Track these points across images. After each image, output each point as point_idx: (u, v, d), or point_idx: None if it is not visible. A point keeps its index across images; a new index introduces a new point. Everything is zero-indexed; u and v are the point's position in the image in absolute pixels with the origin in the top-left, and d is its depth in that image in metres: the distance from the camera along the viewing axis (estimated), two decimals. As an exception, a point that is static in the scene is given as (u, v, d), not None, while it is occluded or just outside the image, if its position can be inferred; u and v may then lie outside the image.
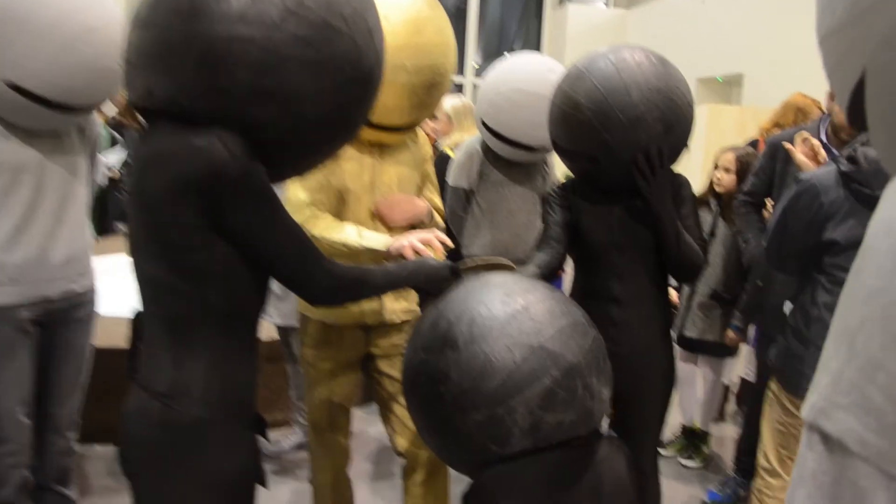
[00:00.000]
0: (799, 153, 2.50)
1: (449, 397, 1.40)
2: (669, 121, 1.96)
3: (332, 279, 1.36)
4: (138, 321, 1.40)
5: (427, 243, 1.87)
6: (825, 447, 0.70)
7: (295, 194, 2.07)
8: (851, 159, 2.00)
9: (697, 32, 8.00)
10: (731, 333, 3.23)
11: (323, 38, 1.22)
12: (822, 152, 2.45)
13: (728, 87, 8.40)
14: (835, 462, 0.68)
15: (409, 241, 1.88)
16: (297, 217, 2.02)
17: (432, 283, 1.58)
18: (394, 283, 1.50)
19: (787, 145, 2.56)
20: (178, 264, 1.27)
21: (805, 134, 2.54)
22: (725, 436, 3.93)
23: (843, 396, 0.68)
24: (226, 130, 1.21)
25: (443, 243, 1.89)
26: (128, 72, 1.28)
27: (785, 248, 2.16)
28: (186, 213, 1.22)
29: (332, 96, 1.27)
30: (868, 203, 1.97)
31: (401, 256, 1.89)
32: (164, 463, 1.31)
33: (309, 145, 1.33)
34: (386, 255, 1.95)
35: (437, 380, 1.42)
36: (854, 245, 1.99)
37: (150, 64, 1.22)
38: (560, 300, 1.51)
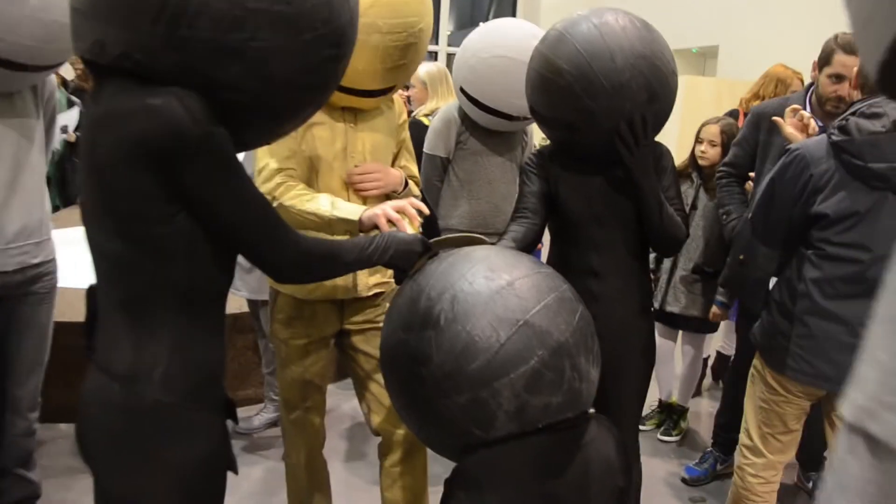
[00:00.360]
0: (788, 125, 2.44)
1: (430, 379, 1.32)
2: (654, 89, 1.88)
3: (299, 254, 1.28)
4: (94, 295, 1.30)
5: (401, 211, 1.78)
6: (871, 453, 0.62)
7: (264, 162, 1.97)
8: (843, 130, 1.94)
9: (672, 4, 7.91)
10: (715, 309, 3.19)
11: None
12: (813, 124, 2.39)
13: (703, 59, 8.35)
14: (883, 470, 0.61)
15: (383, 210, 1.79)
16: (267, 186, 1.93)
17: (404, 259, 1.49)
18: (364, 260, 1.42)
19: (777, 119, 2.49)
20: (134, 238, 1.17)
21: (795, 105, 2.48)
22: (702, 410, 3.92)
23: (895, 395, 0.60)
24: (185, 90, 1.11)
25: (419, 211, 1.80)
26: (75, 21, 1.16)
27: (771, 221, 2.11)
28: (141, 180, 1.12)
29: (302, 56, 1.18)
30: (859, 175, 1.92)
31: (374, 227, 1.81)
32: (124, 449, 1.23)
33: (276, 109, 1.23)
34: (359, 225, 1.86)
35: (417, 361, 1.34)
36: (844, 218, 1.95)
37: (100, 13, 1.11)
38: (547, 275, 1.43)
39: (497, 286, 1.35)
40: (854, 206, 1.93)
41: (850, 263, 1.95)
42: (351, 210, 1.88)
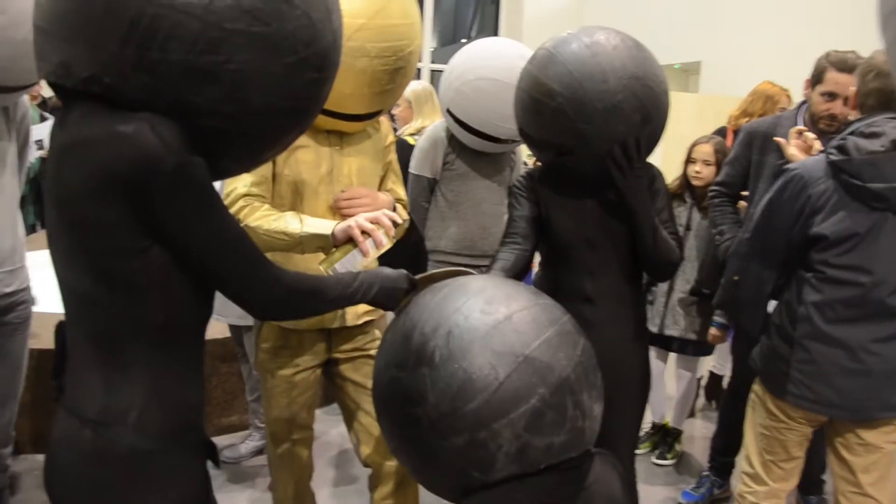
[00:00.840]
0: (792, 147, 2.39)
1: (425, 420, 1.25)
2: (647, 110, 1.84)
3: (279, 291, 1.20)
4: (62, 332, 1.22)
5: (375, 222, 1.70)
6: None
7: (232, 186, 1.88)
8: (841, 149, 1.90)
9: (654, 19, 7.93)
10: (714, 330, 3.12)
11: (273, 11, 1.06)
12: (818, 145, 2.35)
13: (685, 75, 8.37)
14: None
15: (357, 222, 1.71)
16: (231, 210, 1.84)
17: (389, 297, 1.41)
18: (347, 297, 1.34)
19: (779, 140, 2.45)
20: (104, 273, 1.09)
21: (800, 126, 2.43)
22: (696, 432, 3.86)
23: None
24: (158, 115, 1.04)
25: (393, 221, 1.73)
26: (38, 41, 1.08)
27: (769, 242, 2.06)
28: (111, 213, 1.05)
29: (282, 80, 1.11)
30: (858, 195, 1.87)
31: (348, 240, 1.72)
32: (97, 500, 1.15)
33: (255, 135, 1.16)
34: (333, 240, 1.77)
35: (411, 400, 1.27)
36: (843, 240, 1.90)
37: (65, 32, 1.03)
38: (546, 306, 1.36)
39: (494, 320, 1.28)
40: (853, 227, 1.89)
41: (850, 286, 1.91)
42: (322, 225, 1.80)
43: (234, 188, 1.87)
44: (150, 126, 1.02)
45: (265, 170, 1.89)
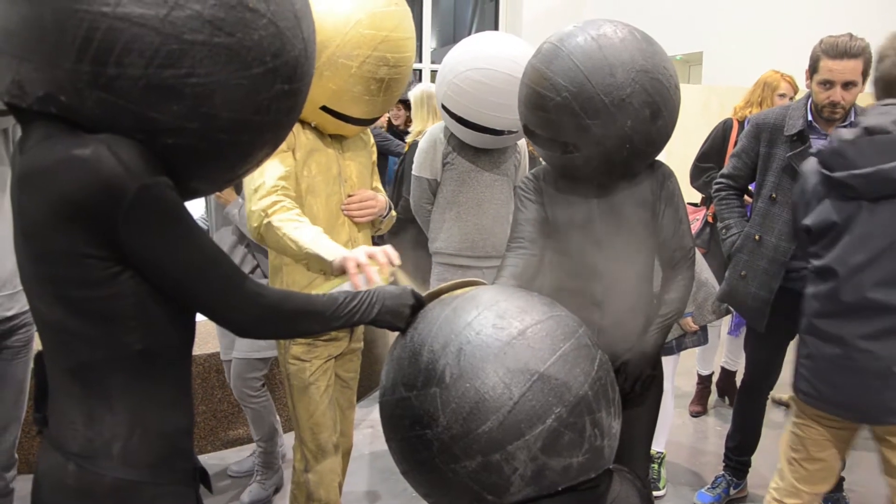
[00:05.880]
0: None
1: (436, 442, 1.20)
2: (657, 105, 1.79)
3: (262, 310, 1.16)
4: (41, 363, 1.17)
5: (372, 257, 1.64)
6: None
7: (260, 181, 1.89)
8: (830, 140, 1.91)
9: (655, 11, 7.87)
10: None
11: (236, 20, 1.01)
12: None
13: (686, 66, 8.31)
14: None
15: (354, 256, 1.63)
16: (262, 203, 1.85)
17: (394, 315, 1.33)
18: (344, 316, 1.27)
19: None
20: (76, 304, 1.05)
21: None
22: (709, 429, 3.80)
23: None
24: (117, 136, 0.99)
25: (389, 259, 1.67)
26: None
27: (799, 239, 2.10)
28: (75, 243, 1.00)
29: (250, 92, 1.06)
30: (832, 185, 1.86)
31: (342, 272, 1.67)
32: None
33: (224, 152, 1.11)
34: (332, 269, 1.73)
35: (421, 422, 1.22)
36: (824, 231, 1.87)
37: (17, 49, 0.98)
38: (561, 319, 1.30)
39: (507, 335, 1.22)
40: (830, 218, 1.88)
41: (830, 278, 1.88)
42: (330, 250, 1.76)
43: (262, 182, 1.89)
44: (108, 148, 0.98)
45: (289, 164, 1.93)
